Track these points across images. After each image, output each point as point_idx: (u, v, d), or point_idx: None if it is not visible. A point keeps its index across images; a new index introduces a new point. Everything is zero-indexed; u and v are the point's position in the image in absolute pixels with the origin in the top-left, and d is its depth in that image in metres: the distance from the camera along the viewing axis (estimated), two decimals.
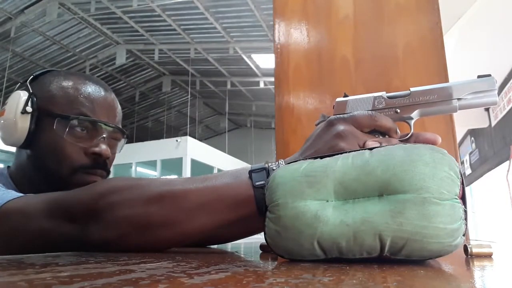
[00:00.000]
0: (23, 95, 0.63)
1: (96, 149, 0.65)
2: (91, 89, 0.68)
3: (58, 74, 0.69)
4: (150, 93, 11.55)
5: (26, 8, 7.14)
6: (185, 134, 11.27)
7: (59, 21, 7.56)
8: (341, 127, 0.45)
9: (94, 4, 7.44)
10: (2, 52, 8.12)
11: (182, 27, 8.31)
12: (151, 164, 10.55)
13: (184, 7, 7.55)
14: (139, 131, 13.03)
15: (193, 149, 10.19)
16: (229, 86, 11.25)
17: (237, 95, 11.95)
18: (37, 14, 7.29)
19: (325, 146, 0.45)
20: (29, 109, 0.62)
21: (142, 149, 10.39)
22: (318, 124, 0.49)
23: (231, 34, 8.46)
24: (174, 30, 8.36)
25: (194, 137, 11.35)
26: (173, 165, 10.08)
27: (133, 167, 10.62)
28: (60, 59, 8.78)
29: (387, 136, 0.46)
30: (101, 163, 0.66)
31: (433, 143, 0.46)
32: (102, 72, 9.72)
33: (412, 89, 0.48)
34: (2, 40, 7.77)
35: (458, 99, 0.46)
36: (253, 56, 9.23)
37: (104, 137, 0.66)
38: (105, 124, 0.67)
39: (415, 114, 0.48)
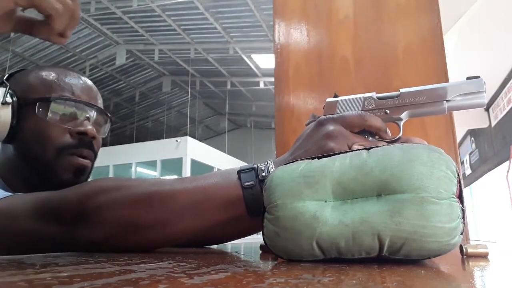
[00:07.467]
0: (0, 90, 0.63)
1: (81, 128, 0.64)
2: (69, 75, 0.68)
3: (34, 68, 0.69)
4: (150, 93, 11.55)
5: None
6: (185, 134, 11.27)
7: None
8: (330, 127, 0.45)
9: (94, 4, 7.44)
10: (2, 52, 8.12)
11: (182, 27, 8.31)
12: (151, 164, 10.55)
13: (184, 7, 7.55)
14: (139, 131, 13.03)
15: (193, 149, 10.19)
16: (229, 86, 11.25)
17: (237, 95, 11.95)
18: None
19: (315, 146, 0.44)
20: (8, 99, 0.61)
21: (142, 149, 10.39)
22: (308, 124, 0.49)
23: (231, 34, 8.45)
24: (174, 30, 8.36)
25: (194, 137, 11.35)
26: (173, 165, 10.07)
27: (133, 167, 10.61)
28: (60, 59, 8.78)
29: (377, 137, 0.47)
30: (87, 143, 0.65)
31: None
32: (102, 72, 9.72)
33: (401, 90, 0.48)
34: (2, 40, 7.77)
35: (447, 100, 0.47)
36: (253, 56, 9.23)
37: (87, 118, 0.66)
38: (87, 104, 0.66)
39: (404, 115, 0.48)
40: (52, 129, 0.63)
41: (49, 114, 0.63)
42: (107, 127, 0.74)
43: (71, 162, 0.63)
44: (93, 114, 0.67)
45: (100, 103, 0.71)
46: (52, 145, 0.62)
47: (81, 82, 0.68)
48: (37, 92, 0.64)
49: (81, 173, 0.65)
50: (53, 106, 0.63)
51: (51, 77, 0.66)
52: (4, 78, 0.66)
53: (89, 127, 0.65)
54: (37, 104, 0.63)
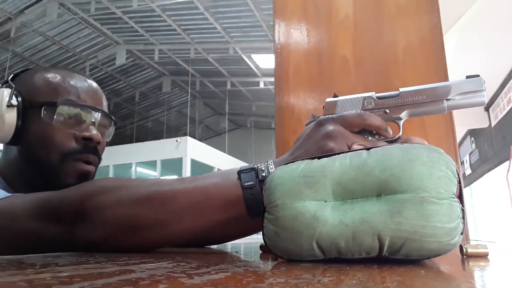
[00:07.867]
0: (5, 91, 0.62)
1: (87, 133, 0.64)
2: (75, 78, 0.67)
3: (39, 69, 0.68)
4: (150, 93, 11.55)
5: (26, 8, 7.14)
6: (185, 134, 11.27)
7: (59, 21, 7.56)
8: (330, 127, 0.45)
9: (94, 4, 7.44)
10: (2, 52, 8.12)
11: (182, 27, 8.31)
12: (151, 164, 10.54)
13: (184, 7, 7.55)
14: (139, 131, 13.02)
15: (193, 149, 10.19)
16: (229, 86, 11.25)
17: (237, 95, 11.95)
18: (37, 14, 7.30)
19: (315, 146, 0.44)
20: (14, 102, 0.61)
21: (142, 149, 10.39)
22: (308, 124, 0.49)
23: (231, 34, 8.46)
24: (174, 30, 8.36)
25: (194, 137, 11.35)
26: (173, 165, 10.07)
27: (133, 167, 10.61)
28: (60, 59, 8.78)
29: (377, 136, 0.47)
30: (92, 148, 0.65)
31: None
32: (102, 72, 9.72)
33: (401, 89, 0.48)
34: (2, 40, 7.77)
35: (447, 99, 0.47)
36: (253, 56, 9.23)
37: (93, 122, 0.65)
38: (93, 109, 0.66)
39: (404, 115, 0.48)
40: (57, 133, 0.62)
41: (55, 119, 0.62)
42: (111, 130, 0.73)
43: (75, 167, 0.63)
44: (98, 118, 0.67)
45: (105, 105, 0.70)
46: (57, 150, 0.62)
47: (87, 85, 0.68)
48: (43, 95, 0.64)
49: (85, 178, 0.65)
50: (59, 110, 0.63)
51: (57, 80, 0.65)
52: (9, 78, 0.66)
53: (94, 132, 0.64)
54: (43, 107, 0.62)
